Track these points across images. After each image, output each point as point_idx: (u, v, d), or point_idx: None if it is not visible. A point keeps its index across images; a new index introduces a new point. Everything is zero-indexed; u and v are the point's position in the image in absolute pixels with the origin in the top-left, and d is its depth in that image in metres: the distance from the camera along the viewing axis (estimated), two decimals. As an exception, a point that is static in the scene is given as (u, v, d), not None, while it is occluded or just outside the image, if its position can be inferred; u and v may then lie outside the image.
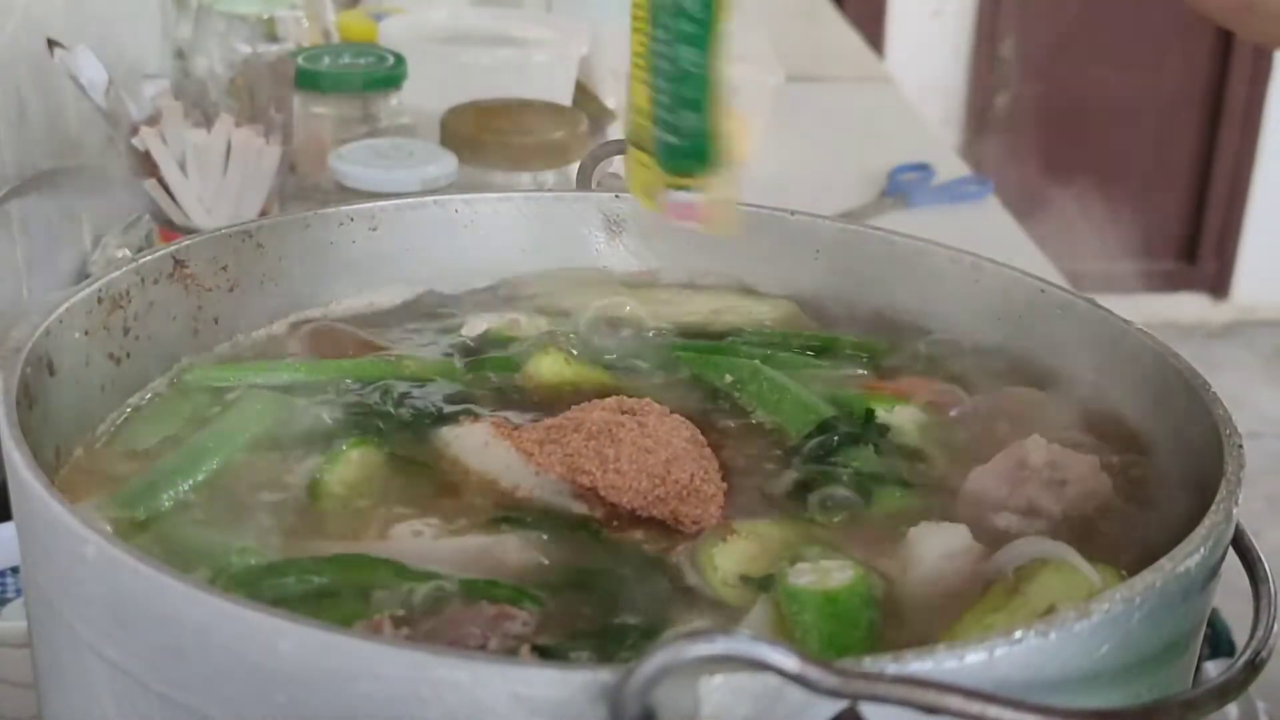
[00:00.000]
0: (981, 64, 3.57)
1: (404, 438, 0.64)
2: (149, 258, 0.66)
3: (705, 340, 0.74)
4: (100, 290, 0.63)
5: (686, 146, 0.60)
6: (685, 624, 0.52)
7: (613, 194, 0.78)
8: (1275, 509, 2.81)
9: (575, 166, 0.81)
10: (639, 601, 0.54)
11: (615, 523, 0.58)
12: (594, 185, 0.79)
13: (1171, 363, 0.63)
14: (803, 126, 1.81)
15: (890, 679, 0.40)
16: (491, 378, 0.69)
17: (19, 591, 0.87)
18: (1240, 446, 0.55)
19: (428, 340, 0.73)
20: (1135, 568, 0.48)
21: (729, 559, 0.56)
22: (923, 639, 0.44)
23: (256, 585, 0.53)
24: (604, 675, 0.40)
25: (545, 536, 0.57)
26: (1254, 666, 0.49)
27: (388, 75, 1.31)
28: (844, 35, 2.37)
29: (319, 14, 1.54)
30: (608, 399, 0.65)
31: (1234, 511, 0.52)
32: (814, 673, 0.40)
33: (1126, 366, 0.66)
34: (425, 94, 1.36)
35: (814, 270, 0.77)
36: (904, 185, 1.68)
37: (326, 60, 1.32)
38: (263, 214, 1.17)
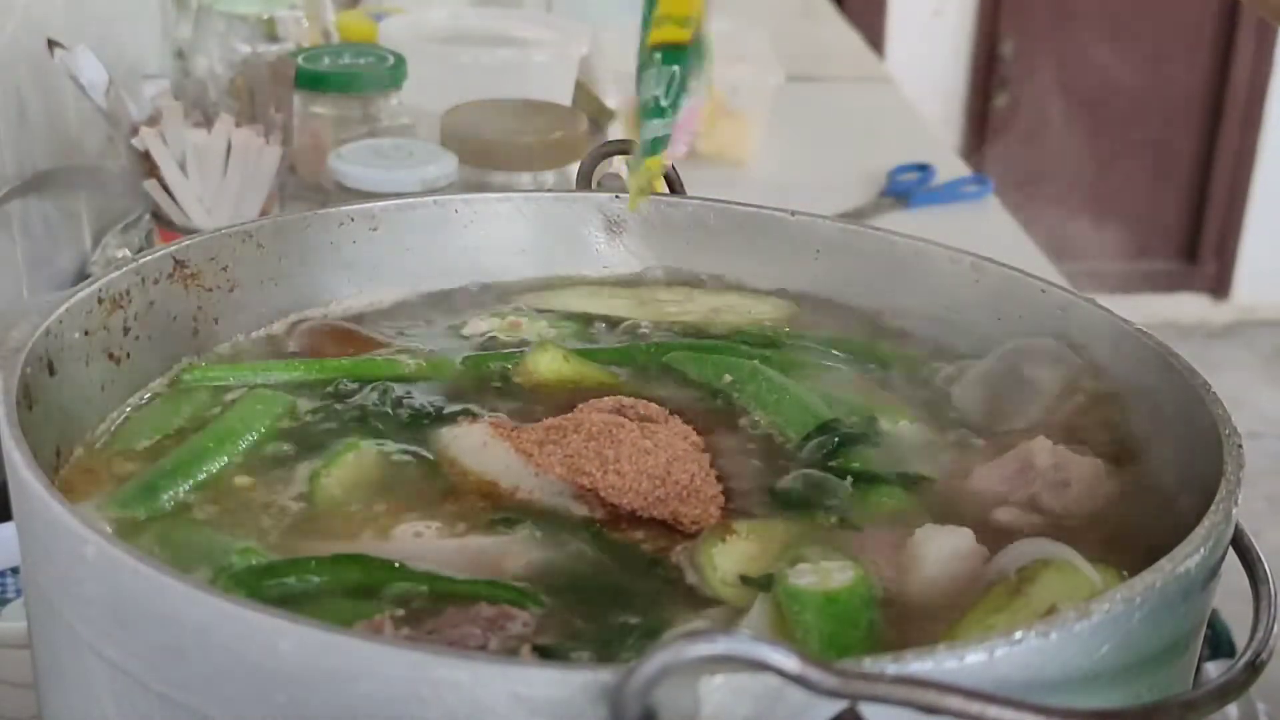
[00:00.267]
0: (981, 64, 3.57)
1: (403, 438, 0.64)
2: (149, 258, 0.66)
3: (705, 340, 0.74)
4: (100, 290, 0.63)
5: None
6: (685, 624, 0.52)
7: (612, 194, 0.78)
8: (1275, 509, 2.81)
9: (575, 166, 0.81)
10: (639, 601, 0.54)
11: (615, 523, 0.58)
12: (594, 185, 0.79)
13: (1171, 363, 0.63)
14: (803, 126, 1.81)
15: (890, 679, 0.40)
16: (491, 378, 0.69)
17: (19, 591, 0.87)
18: (1240, 446, 0.55)
19: (427, 340, 0.73)
20: (1136, 568, 0.48)
21: (728, 559, 0.56)
22: (925, 641, 0.44)
23: (256, 585, 0.53)
24: (604, 675, 0.40)
25: (545, 537, 0.57)
26: (1254, 667, 0.49)
27: (388, 75, 1.31)
28: (844, 35, 2.37)
29: (319, 14, 1.54)
30: (604, 400, 0.65)
31: (1234, 511, 0.52)
32: (814, 673, 0.40)
33: (1126, 366, 0.66)
34: (425, 94, 1.36)
35: (814, 270, 0.77)
36: (904, 185, 1.68)
37: (326, 60, 1.32)
38: (263, 214, 1.17)
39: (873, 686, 0.40)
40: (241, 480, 0.60)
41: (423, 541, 0.57)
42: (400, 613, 0.51)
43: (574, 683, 0.40)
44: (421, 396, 0.67)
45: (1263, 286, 3.71)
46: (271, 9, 1.45)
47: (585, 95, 1.62)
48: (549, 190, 0.89)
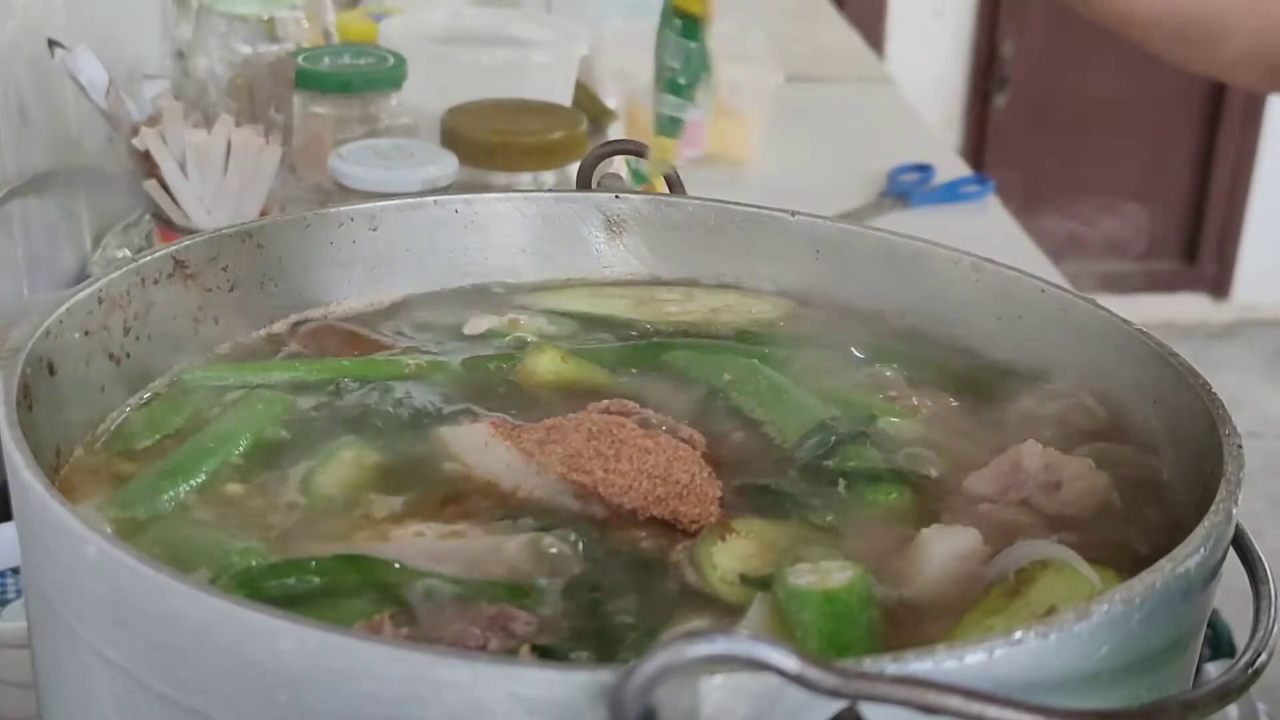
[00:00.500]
0: (981, 64, 3.57)
1: (404, 438, 0.64)
2: (149, 258, 0.66)
3: (704, 340, 0.74)
4: (100, 290, 0.63)
5: None
6: (685, 624, 0.52)
7: (613, 194, 0.78)
8: (1275, 509, 2.81)
9: (575, 166, 0.81)
10: (639, 601, 0.54)
11: (616, 522, 0.58)
12: (594, 185, 0.79)
13: (1171, 363, 0.63)
14: (803, 126, 1.80)
15: (890, 679, 0.40)
16: (490, 378, 0.69)
17: (19, 591, 0.87)
18: (1240, 446, 0.55)
19: (427, 340, 0.73)
20: (1135, 569, 0.48)
21: (728, 558, 0.56)
22: (926, 641, 0.44)
23: (257, 585, 0.53)
24: (604, 675, 0.40)
25: (545, 537, 0.57)
26: (1254, 667, 0.49)
27: (388, 75, 1.31)
28: (844, 35, 2.37)
29: (319, 14, 1.54)
30: (601, 403, 0.65)
31: (1234, 511, 0.52)
32: (814, 673, 0.40)
33: (1126, 366, 0.66)
34: (425, 94, 1.36)
35: (814, 270, 0.77)
36: (904, 185, 1.68)
37: (326, 60, 1.32)
38: (263, 214, 1.17)
39: (872, 686, 0.40)
40: (242, 480, 0.60)
41: (423, 541, 0.57)
42: (400, 613, 0.51)
43: (574, 683, 0.40)
44: (422, 396, 0.67)
45: (1263, 286, 3.71)
46: (271, 9, 1.45)
47: (585, 95, 1.62)
48: (549, 190, 0.89)
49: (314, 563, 0.54)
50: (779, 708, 0.41)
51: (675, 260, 0.79)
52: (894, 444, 0.65)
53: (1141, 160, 3.58)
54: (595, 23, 1.69)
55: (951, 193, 1.68)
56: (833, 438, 0.64)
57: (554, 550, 0.56)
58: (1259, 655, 0.49)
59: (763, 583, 0.54)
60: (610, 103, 1.67)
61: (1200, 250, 3.72)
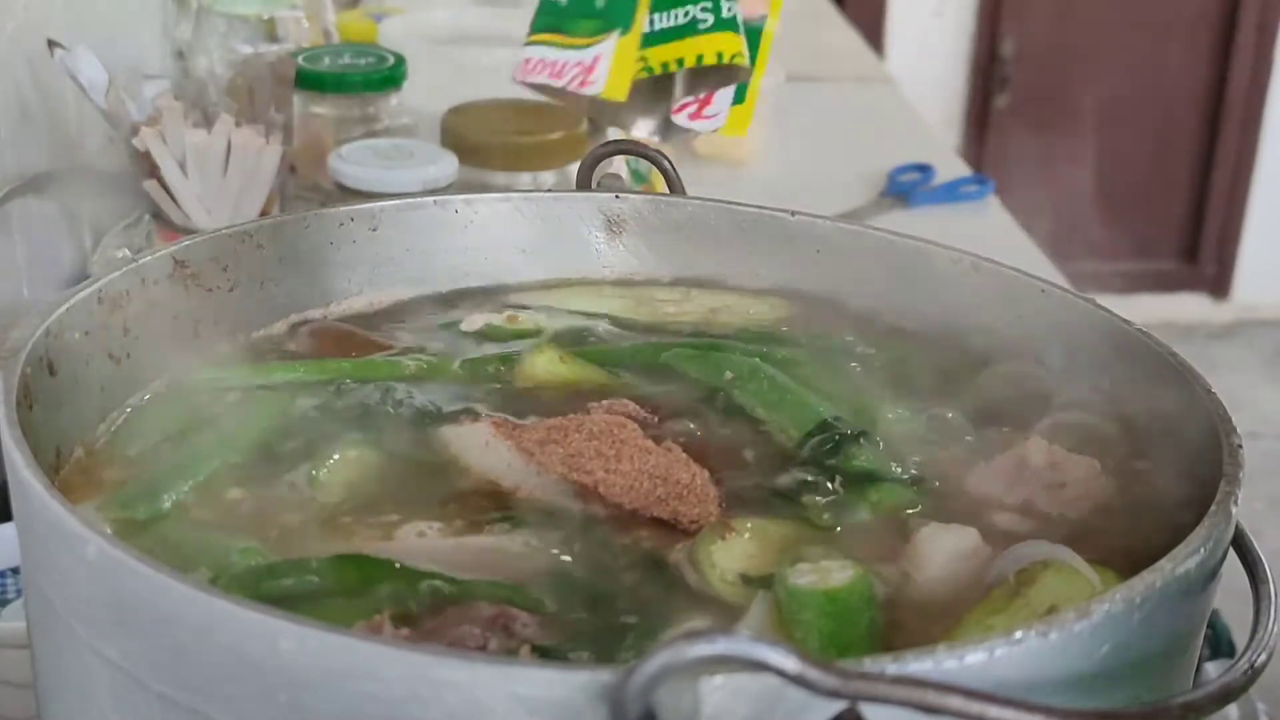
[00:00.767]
0: (981, 64, 3.57)
1: (404, 438, 0.64)
2: (149, 258, 0.66)
3: (705, 339, 0.74)
4: (100, 290, 0.63)
5: None
6: (685, 624, 0.52)
7: (613, 194, 0.78)
8: (1275, 509, 2.81)
9: (575, 166, 0.81)
10: (639, 601, 0.54)
11: (616, 522, 0.58)
12: (594, 185, 0.79)
13: (1171, 363, 0.63)
14: (803, 126, 1.80)
15: (890, 679, 0.40)
16: (491, 377, 0.69)
17: (19, 591, 0.87)
18: (1240, 446, 0.55)
19: (428, 340, 0.73)
20: (1135, 569, 0.48)
21: (728, 557, 0.56)
22: (927, 641, 0.44)
23: (257, 585, 0.53)
24: (604, 675, 0.40)
25: (546, 536, 0.57)
26: (1254, 667, 0.49)
27: (388, 75, 1.31)
28: (844, 35, 2.37)
29: (319, 14, 1.54)
30: (603, 403, 0.65)
31: (1234, 512, 0.52)
32: (814, 673, 0.40)
33: (1126, 366, 0.66)
34: (425, 94, 1.36)
35: (814, 270, 0.77)
36: (904, 185, 1.68)
37: (326, 60, 1.32)
38: (263, 214, 1.17)
39: (873, 686, 0.40)
40: (242, 481, 0.60)
41: (423, 541, 0.57)
42: (400, 613, 0.51)
43: (574, 683, 0.40)
44: (422, 396, 0.67)
45: (1263, 286, 3.71)
46: (271, 9, 1.45)
47: (585, 95, 1.62)
48: (549, 190, 0.89)
49: (314, 563, 0.54)
50: (779, 708, 0.41)
51: (675, 260, 0.79)
52: (895, 444, 0.65)
53: (1141, 160, 3.58)
54: (595, 23, 1.68)
55: (951, 193, 1.68)
56: (835, 437, 0.64)
57: (554, 550, 0.56)
58: (1259, 655, 0.49)
59: (763, 582, 0.54)
60: (610, 103, 1.66)
61: (1200, 250, 3.72)
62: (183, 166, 1.15)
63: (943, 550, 0.56)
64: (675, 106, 0.67)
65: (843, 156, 1.76)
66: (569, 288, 0.78)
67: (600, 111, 1.26)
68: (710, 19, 0.62)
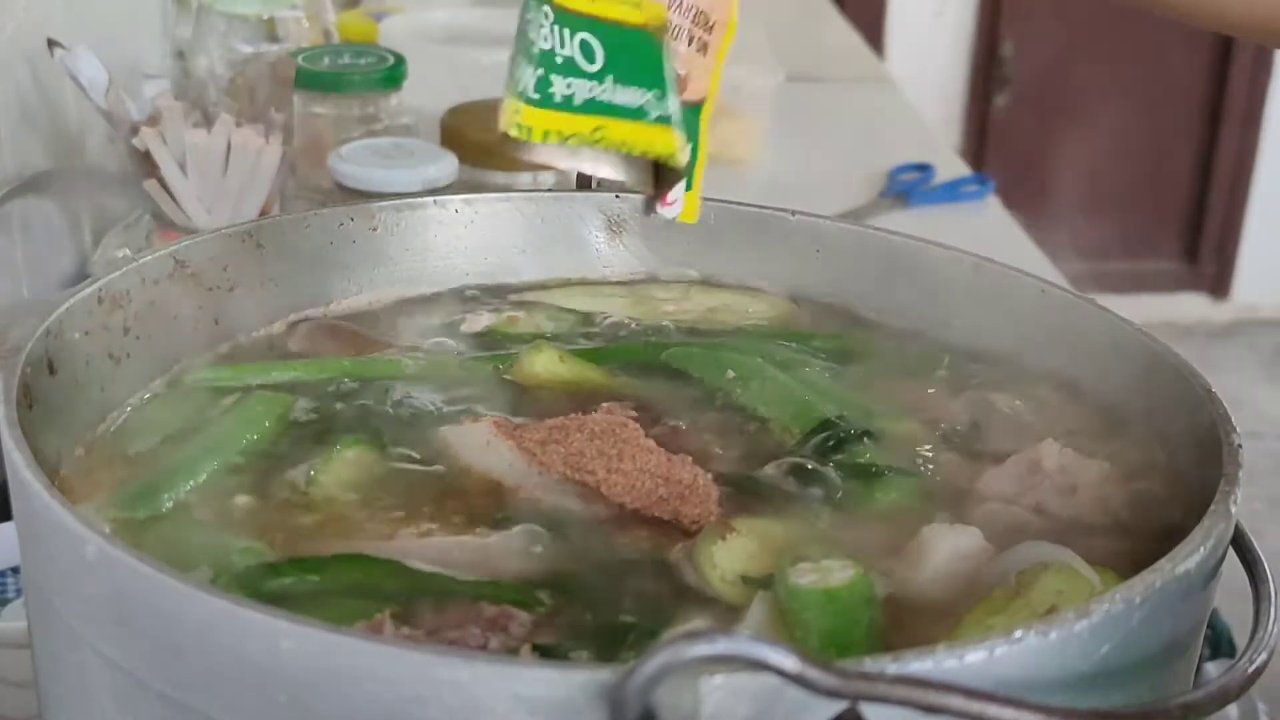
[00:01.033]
0: (981, 64, 3.57)
1: (404, 438, 0.64)
2: (149, 258, 0.66)
3: (703, 339, 0.74)
4: (100, 290, 0.63)
5: None
6: (685, 623, 0.52)
7: (613, 194, 0.78)
8: (1275, 509, 2.81)
9: (575, 166, 0.81)
10: (639, 601, 0.54)
11: (617, 522, 0.58)
12: (594, 185, 0.79)
13: (1171, 363, 0.63)
14: (803, 126, 1.80)
15: (890, 679, 0.40)
16: (491, 377, 0.69)
17: (19, 591, 0.87)
18: (1240, 446, 0.55)
19: (428, 340, 0.73)
20: (1134, 569, 0.48)
21: (728, 557, 0.56)
22: (928, 641, 0.44)
23: (257, 585, 0.53)
24: (604, 675, 0.40)
25: (547, 537, 0.57)
26: (1254, 667, 0.49)
27: (388, 75, 1.31)
28: (844, 35, 2.37)
29: (319, 14, 1.54)
30: (603, 405, 0.65)
31: (1234, 511, 0.52)
32: (814, 673, 0.39)
33: (1127, 366, 0.66)
34: (425, 94, 1.36)
35: (814, 270, 0.77)
36: (904, 185, 1.68)
37: (326, 60, 1.32)
38: (263, 214, 1.17)
39: (873, 686, 0.40)
40: (242, 481, 0.60)
41: (424, 541, 0.57)
42: (400, 613, 0.51)
43: (574, 683, 0.40)
44: (422, 396, 0.67)
45: (1263, 286, 3.71)
46: (271, 9, 1.45)
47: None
48: (549, 190, 0.89)
49: (314, 563, 0.54)
50: (779, 708, 0.41)
51: (675, 260, 0.79)
52: (898, 442, 0.65)
53: (1141, 160, 3.58)
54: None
55: (951, 193, 1.68)
56: (837, 436, 0.64)
57: (555, 550, 0.56)
58: (1259, 655, 0.49)
59: (763, 582, 0.54)
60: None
61: (1200, 250, 3.72)
62: (183, 166, 1.15)
63: (945, 550, 0.56)
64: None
65: (843, 156, 1.76)
66: (569, 287, 0.78)
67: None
68: (654, 112, 0.63)
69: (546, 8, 0.62)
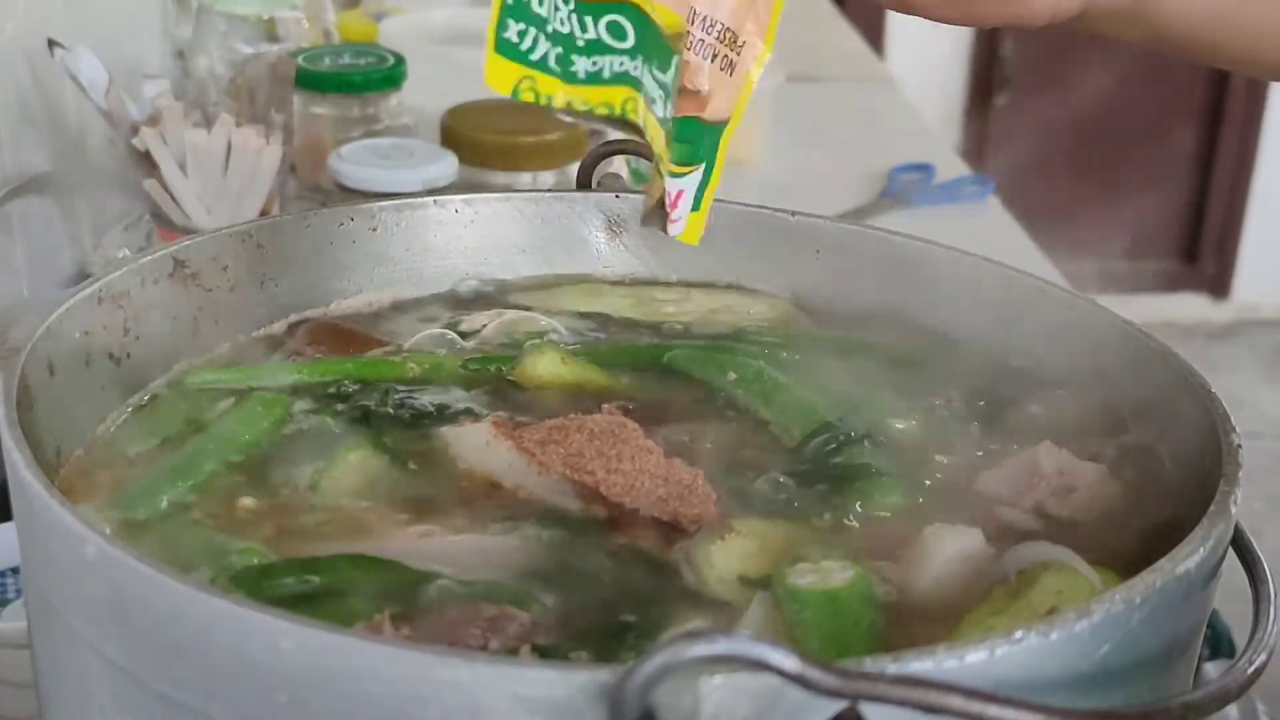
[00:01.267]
0: (981, 64, 3.57)
1: (404, 438, 0.64)
2: (149, 258, 0.66)
3: (703, 340, 0.74)
4: (100, 290, 0.63)
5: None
6: (685, 624, 0.52)
7: (613, 194, 0.78)
8: (1275, 509, 2.81)
9: (575, 166, 0.81)
10: (639, 601, 0.54)
11: (617, 522, 0.58)
12: (594, 185, 0.79)
13: (1171, 363, 0.63)
14: (803, 126, 1.80)
15: (891, 679, 0.40)
16: (492, 378, 0.69)
17: (19, 591, 0.87)
18: (1240, 446, 0.55)
19: (427, 340, 0.73)
20: (1134, 570, 0.48)
21: (726, 557, 0.56)
22: (928, 641, 0.44)
23: (256, 585, 0.53)
24: (604, 675, 0.40)
25: (546, 537, 0.57)
26: (1254, 668, 0.49)
27: (388, 75, 1.31)
28: (844, 35, 2.37)
29: (319, 14, 1.54)
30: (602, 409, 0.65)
31: (1234, 511, 0.52)
32: (814, 673, 0.40)
33: (1127, 366, 0.66)
34: (425, 94, 1.36)
35: (814, 270, 0.77)
36: (904, 185, 1.68)
37: (326, 60, 1.32)
38: (263, 214, 1.17)
39: (873, 686, 0.40)
40: (242, 482, 0.60)
41: (423, 541, 0.57)
42: (400, 613, 0.51)
43: (574, 683, 0.41)
44: (423, 397, 0.67)
45: (1263, 286, 3.71)
46: (271, 9, 1.45)
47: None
48: (549, 190, 0.89)
49: (314, 563, 0.54)
50: (779, 708, 0.41)
51: (675, 260, 0.79)
52: (898, 444, 0.65)
53: (1141, 160, 3.58)
54: (595, 23, 1.68)
55: (951, 193, 1.68)
56: (838, 438, 0.64)
57: (555, 550, 0.56)
58: (1259, 655, 0.49)
59: (761, 583, 0.54)
60: (610, 103, 1.66)
61: (1200, 250, 3.72)
62: (183, 166, 1.15)
63: (946, 550, 0.56)
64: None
65: (843, 156, 1.76)
66: (569, 287, 0.78)
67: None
68: (659, 111, 0.62)
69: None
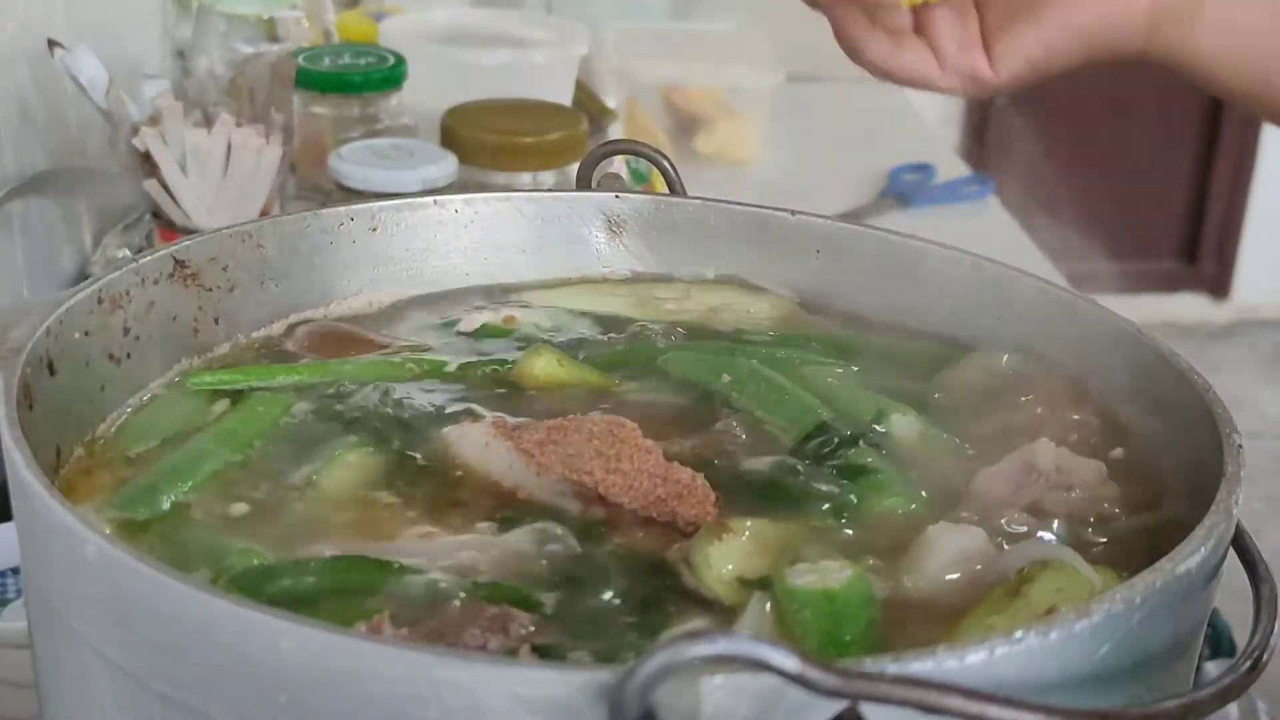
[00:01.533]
0: (981, 64, 3.56)
1: (404, 439, 0.64)
2: (149, 258, 0.66)
3: (703, 340, 0.74)
4: (100, 290, 0.63)
5: None
6: (684, 623, 0.52)
7: (613, 194, 0.78)
8: (1275, 509, 2.81)
9: (575, 166, 0.81)
10: (639, 601, 0.54)
11: (616, 523, 0.58)
12: (594, 185, 0.79)
13: (1172, 363, 0.63)
14: (803, 126, 1.80)
15: (891, 679, 0.40)
16: (490, 378, 0.69)
17: (19, 591, 0.87)
18: (1240, 446, 0.55)
19: (427, 340, 0.73)
20: (1134, 569, 0.48)
21: (724, 558, 0.56)
22: (928, 641, 0.44)
23: (256, 586, 0.53)
24: (604, 675, 0.40)
25: (546, 537, 0.57)
26: (1254, 667, 0.49)
27: (388, 75, 1.31)
28: (844, 35, 2.37)
29: (319, 14, 1.54)
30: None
31: (1234, 511, 0.52)
32: (814, 673, 0.40)
33: (1127, 366, 0.66)
34: (425, 94, 1.36)
35: (814, 270, 0.77)
36: (904, 185, 1.68)
37: (326, 60, 1.32)
38: (263, 214, 1.17)
39: (873, 686, 0.40)
40: (241, 481, 0.60)
41: (424, 542, 0.57)
42: (400, 613, 0.51)
43: (574, 683, 0.40)
44: (422, 397, 0.67)
45: (1263, 286, 3.71)
46: (271, 9, 1.46)
47: (585, 95, 1.62)
48: (549, 190, 0.89)
49: (313, 563, 0.54)
50: (779, 708, 0.41)
51: (675, 260, 0.79)
52: (896, 444, 0.65)
53: (1141, 160, 3.58)
54: (595, 23, 1.69)
55: (951, 193, 1.68)
56: (834, 438, 0.64)
57: (554, 550, 0.56)
58: (1259, 655, 0.49)
59: (759, 583, 0.54)
60: (610, 103, 1.67)
61: (1200, 250, 3.72)
62: (183, 166, 1.15)
63: (946, 550, 0.56)
64: None
65: (843, 156, 1.77)
66: (569, 287, 0.78)
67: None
68: None
69: None
